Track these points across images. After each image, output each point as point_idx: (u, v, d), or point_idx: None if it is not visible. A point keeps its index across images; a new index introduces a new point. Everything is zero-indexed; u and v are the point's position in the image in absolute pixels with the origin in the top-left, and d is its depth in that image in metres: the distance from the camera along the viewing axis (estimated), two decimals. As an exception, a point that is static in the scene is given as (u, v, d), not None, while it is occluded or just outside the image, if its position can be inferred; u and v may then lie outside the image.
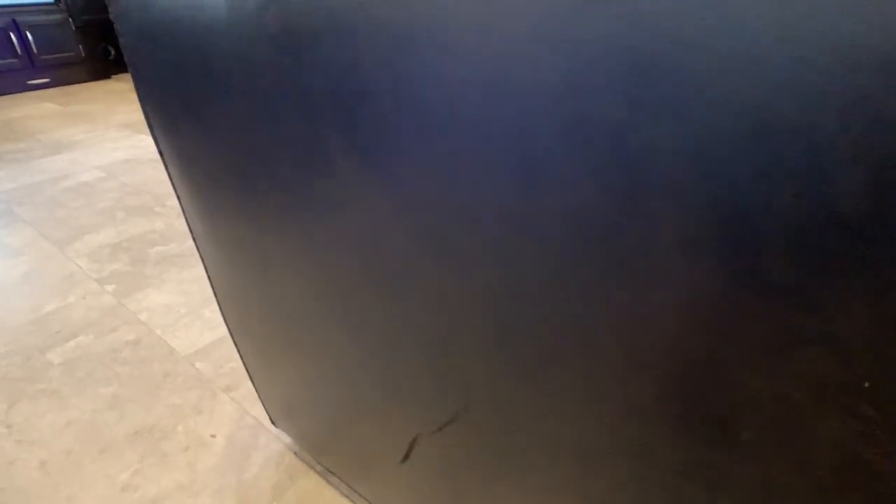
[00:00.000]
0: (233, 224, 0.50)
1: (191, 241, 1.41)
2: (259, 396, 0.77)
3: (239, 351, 0.71)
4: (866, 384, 0.21)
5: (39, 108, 2.97)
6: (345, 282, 0.41)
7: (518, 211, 0.27)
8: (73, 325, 1.09)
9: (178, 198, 0.56)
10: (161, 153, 0.53)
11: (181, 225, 1.52)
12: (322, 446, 0.71)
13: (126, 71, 3.83)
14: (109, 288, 1.22)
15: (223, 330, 1.06)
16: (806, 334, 0.22)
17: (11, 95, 3.33)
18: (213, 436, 0.82)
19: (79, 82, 3.62)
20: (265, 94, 0.36)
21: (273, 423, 0.79)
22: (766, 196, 0.19)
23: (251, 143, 0.40)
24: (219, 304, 0.65)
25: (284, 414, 0.74)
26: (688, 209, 0.22)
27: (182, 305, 1.14)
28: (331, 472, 0.74)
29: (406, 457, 0.50)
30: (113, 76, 3.79)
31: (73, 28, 3.48)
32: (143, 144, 2.26)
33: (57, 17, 3.39)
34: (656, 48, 0.20)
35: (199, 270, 1.28)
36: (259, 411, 0.86)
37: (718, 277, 0.22)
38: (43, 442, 0.82)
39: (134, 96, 3.14)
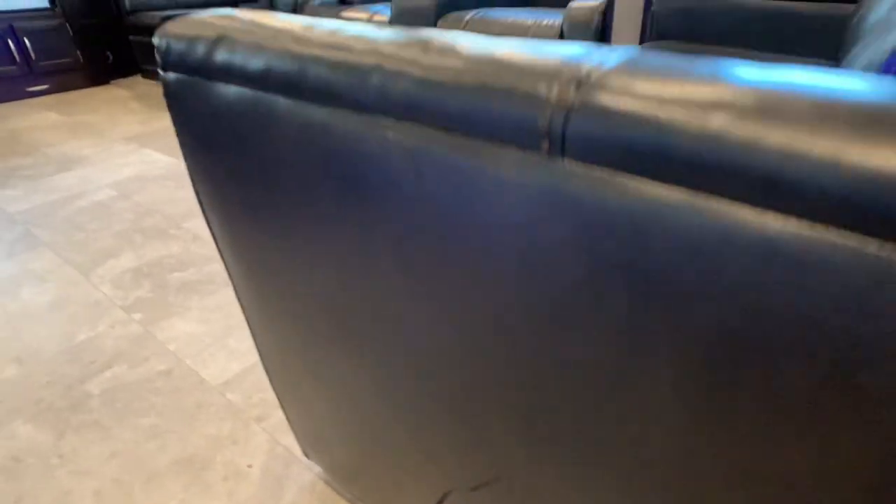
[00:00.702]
0: (268, 261, 0.58)
1: (209, 267, 1.49)
2: (292, 428, 0.85)
3: (272, 385, 0.80)
4: None
5: (43, 118, 3.01)
6: (383, 351, 0.50)
7: (543, 321, 0.35)
8: (106, 355, 1.17)
9: (209, 226, 0.63)
10: (194, 182, 0.60)
11: (197, 248, 1.59)
12: (352, 477, 0.80)
13: (125, 76, 3.84)
14: (136, 316, 1.29)
15: (248, 359, 1.14)
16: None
17: (11, 103, 3.35)
18: (249, 466, 0.90)
19: (78, 88, 3.64)
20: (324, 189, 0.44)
21: (305, 454, 0.88)
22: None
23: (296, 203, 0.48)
24: (253, 337, 0.72)
25: (315, 445, 0.83)
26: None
27: (206, 335, 1.22)
28: (360, 500, 0.83)
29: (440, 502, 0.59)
30: (112, 81, 3.80)
31: (71, 33, 3.49)
32: (150, 159, 2.32)
33: (54, 21, 3.40)
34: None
35: (220, 298, 1.35)
36: (289, 441, 0.94)
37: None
38: (93, 472, 0.90)
39: (136, 105, 3.18)
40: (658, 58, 0.29)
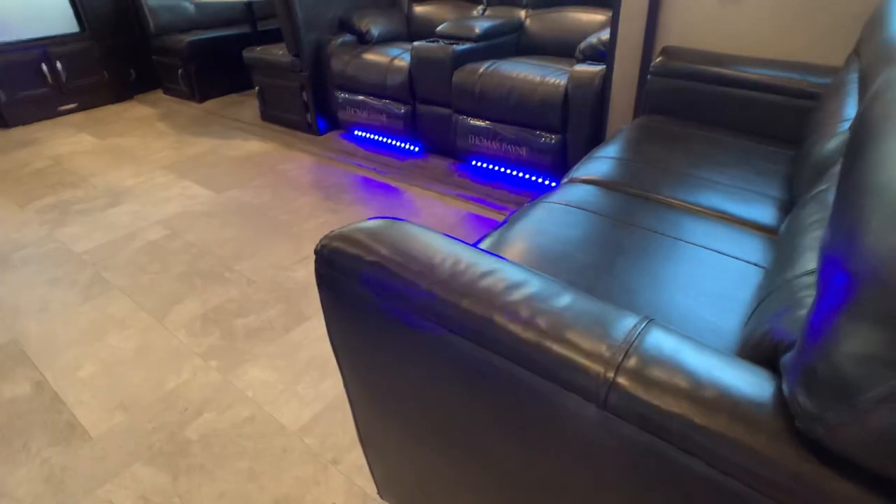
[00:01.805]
0: (390, 394, 0.80)
1: (267, 314, 1.70)
2: (371, 470, 1.08)
3: (361, 437, 1.01)
4: None
5: (78, 142, 3.18)
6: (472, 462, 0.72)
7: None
8: (195, 403, 1.39)
9: (340, 368, 0.84)
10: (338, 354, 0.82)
11: (253, 293, 1.80)
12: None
13: (145, 91, 3.97)
14: (213, 364, 1.51)
15: (317, 405, 1.36)
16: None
17: (43, 122, 3.52)
18: (333, 503, 1.13)
19: (103, 104, 3.79)
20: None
21: (379, 494, 1.11)
22: None
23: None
24: (352, 408, 0.94)
25: (394, 493, 1.06)
26: None
27: (278, 381, 1.44)
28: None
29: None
30: (135, 97, 3.96)
31: (98, 53, 3.63)
32: (191, 193, 2.51)
33: (84, 44, 3.54)
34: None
35: (282, 345, 1.57)
36: (362, 482, 1.17)
37: None
38: (208, 509, 1.13)
39: (163, 127, 3.35)
40: (670, 356, 0.50)
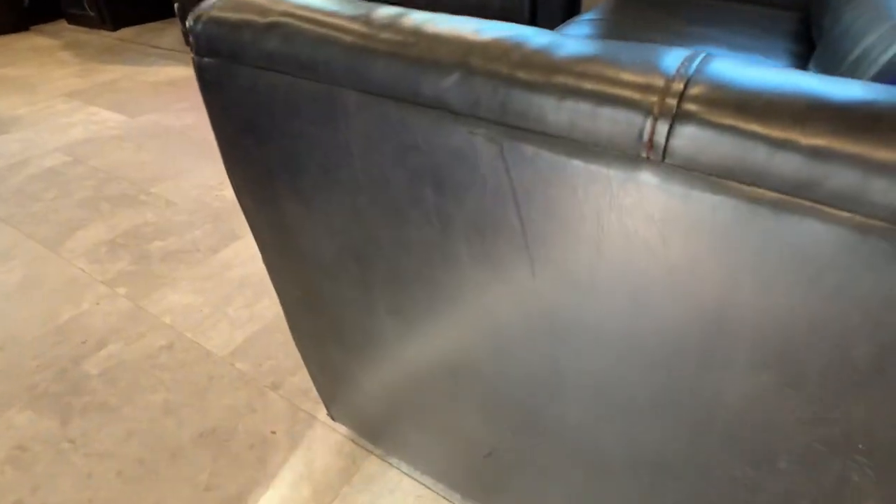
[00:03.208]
0: (316, 236, 0.57)
1: (191, 235, 1.42)
2: (318, 392, 0.86)
3: (300, 348, 0.79)
4: (860, 445, 0.34)
5: (-41, 74, 2.69)
6: (448, 323, 0.51)
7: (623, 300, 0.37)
8: (97, 334, 1.12)
9: (242, 204, 0.61)
10: (230, 165, 0.58)
11: (173, 215, 1.51)
12: (382, 434, 0.82)
13: (46, 21, 3.43)
14: (121, 291, 1.24)
15: (252, 327, 1.12)
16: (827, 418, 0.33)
17: (-82, 56, 2.96)
18: (273, 432, 0.91)
19: (-7, 37, 3.25)
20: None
21: (330, 416, 0.89)
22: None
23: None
24: (279, 295, 0.70)
25: (343, 407, 0.84)
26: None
27: (203, 305, 1.19)
28: (390, 454, 0.86)
29: (488, 455, 0.62)
30: (32, 27, 3.41)
31: (-22, -26, 3.07)
32: (99, 118, 2.14)
33: (-42, -39, 2.98)
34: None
35: (210, 267, 1.30)
36: (309, 406, 0.95)
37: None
38: (111, 454, 0.89)
39: (67, 56, 2.89)
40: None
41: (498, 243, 0.40)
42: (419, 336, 0.54)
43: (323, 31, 0.41)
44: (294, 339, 0.75)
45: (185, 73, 2.60)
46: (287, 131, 0.47)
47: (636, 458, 0.46)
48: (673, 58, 0.32)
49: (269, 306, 1.17)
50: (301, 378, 1.00)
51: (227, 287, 1.24)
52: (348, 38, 0.40)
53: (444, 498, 0.80)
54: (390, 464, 0.85)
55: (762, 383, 0.34)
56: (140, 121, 2.11)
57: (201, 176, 1.70)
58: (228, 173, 0.57)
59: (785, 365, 0.33)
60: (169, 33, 3.21)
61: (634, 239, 0.34)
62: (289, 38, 0.42)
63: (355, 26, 0.40)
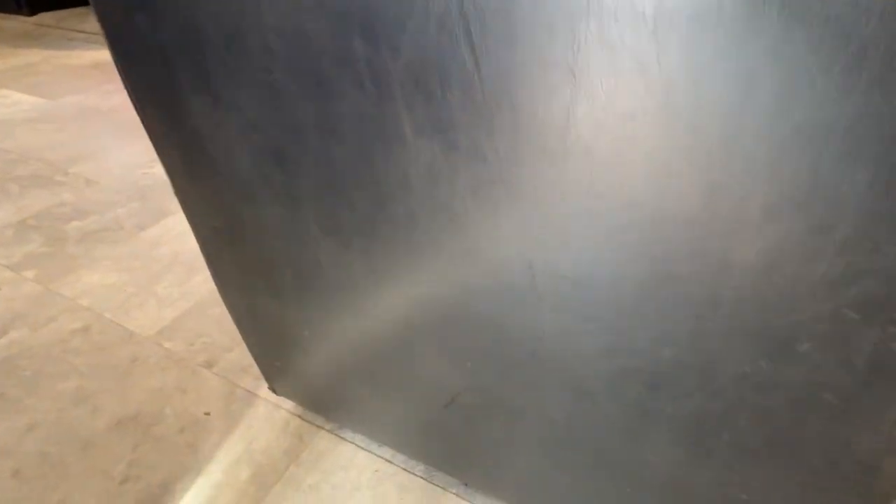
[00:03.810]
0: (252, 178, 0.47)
1: (113, 213, 1.28)
2: (258, 365, 0.75)
3: (235, 319, 0.68)
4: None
5: None
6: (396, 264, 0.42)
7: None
8: (-2, 320, 0.97)
9: (162, 160, 0.50)
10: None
11: (94, 194, 1.35)
12: (332, 404, 0.72)
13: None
14: (29, 274, 1.08)
15: (184, 304, 1.00)
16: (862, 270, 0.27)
17: None
18: (206, 413, 0.79)
19: None
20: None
21: (272, 390, 0.78)
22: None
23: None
24: (211, 268, 0.60)
25: (286, 378, 0.74)
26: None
27: (128, 284, 1.05)
28: (344, 427, 0.76)
29: (450, 402, 0.53)
30: (-62, 15, 3.10)
31: None
32: (10, 101, 1.93)
33: None
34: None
35: (136, 245, 1.17)
36: (248, 382, 0.84)
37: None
38: (6, 450, 0.75)
39: (-22, 41, 2.63)
40: None
41: (447, 101, 0.32)
42: (364, 258, 0.45)
43: None
44: (221, 295, 0.65)
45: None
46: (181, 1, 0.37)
47: (623, 374, 0.39)
48: None
49: (204, 282, 1.05)
50: (239, 354, 0.89)
51: (155, 264, 1.11)
52: None
53: (406, 470, 0.71)
54: (343, 438, 0.75)
55: (783, 231, 0.27)
56: (60, 103, 1.92)
57: (128, 154, 1.55)
58: (124, 79, 0.46)
59: (812, 202, 0.26)
60: (94, 18, 2.98)
61: (621, 53, 0.26)
62: None
63: None
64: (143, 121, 0.49)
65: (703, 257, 0.30)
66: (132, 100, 0.48)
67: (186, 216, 0.55)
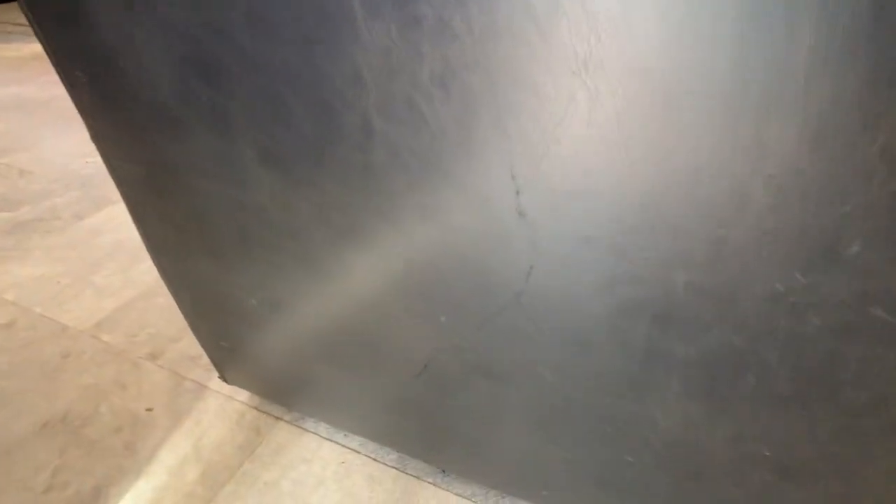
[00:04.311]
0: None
1: (48, 202, 1.16)
2: (208, 354, 0.66)
3: (180, 306, 0.60)
4: None
5: None
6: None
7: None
8: None
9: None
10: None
11: (28, 184, 1.23)
12: (291, 390, 0.64)
13: None
14: (-53, 268, 0.96)
15: (126, 294, 0.90)
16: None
17: None
18: (149, 409, 0.70)
19: None
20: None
21: (224, 379, 0.70)
22: None
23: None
24: (140, 228, 0.51)
25: (238, 365, 0.65)
26: None
27: (62, 275, 0.94)
28: (305, 416, 0.68)
29: (423, 371, 0.46)
30: None
31: None
32: (-62, 93, 1.78)
33: None
34: None
35: (72, 234, 1.06)
36: (198, 374, 0.75)
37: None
38: None
39: None
40: None
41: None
42: (313, 192, 0.38)
43: None
44: (153, 261, 0.56)
45: (56, 48, 2.26)
46: None
47: (626, 309, 0.33)
48: None
49: (149, 270, 0.95)
50: (188, 343, 0.79)
51: (94, 254, 1.00)
52: None
53: (376, 460, 0.63)
54: (305, 429, 0.67)
55: (830, 92, 0.21)
56: (-6, 94, 1.78)
57: (68, 144, 1.43)
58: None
59: (867, 44, 0.20)
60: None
61: None
62: None
63: None
64: (38, 36, 0.40)
65: (732, 140, 0.24)
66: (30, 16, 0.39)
67: (105, 163, 0.46)
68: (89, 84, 0.40)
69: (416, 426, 0.55)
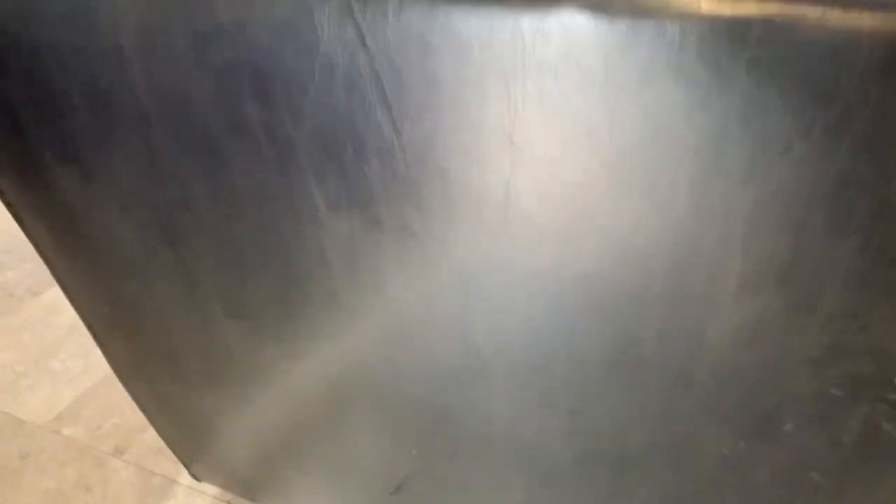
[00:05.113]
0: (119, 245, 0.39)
1: (1, 276, 1.11)
2: (172, 449, 0.65)
3: (136, 398, 0.58)
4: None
5: None
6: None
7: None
8: None
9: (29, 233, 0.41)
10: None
11: (-23, 255, 1.18)
12: (260, 486, 0.63)
13: None
14: None
15: (88, 380, 0.87)
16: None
17: None
18: (116, 514, 0.68)
19: None
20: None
21: (195, 476, 0.68)
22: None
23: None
24: (106, 356, 0.51)
25: (206, 461, 0.64)
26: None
27: (16, 362, 0.90)
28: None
29: (397, 489, 0.47)
30: None
31: None
32: None
33: None
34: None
35: (28, 314, 1.02)
36: (166, 467, 0.73)
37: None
38: None
39: None
40: None
41: (363, 172, 0.27)
42: (280, 344, 0.38)
43: None
44: (123, 385, 0.55)
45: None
46: (33, 48, 0.30)
47: (587, 458, 0.35)
48: None
49: (112, 350, 0.92)
50: (155, 434, 0.77)
51: (51, 335, 0.97)
52: None
53: (355, 554, 0.63)
54: (280, 524, 0.66)
55: (761, 307, 0.24)
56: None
57: (20, 206, 1.37)
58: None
59: (793, 275, 0.22)
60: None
61: (565, 116, 0.22)
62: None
63: None
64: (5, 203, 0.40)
65: (673, 336, 0.26)
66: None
67: (69, 301, 0.46)
68: (53, 239, 0.40)
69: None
